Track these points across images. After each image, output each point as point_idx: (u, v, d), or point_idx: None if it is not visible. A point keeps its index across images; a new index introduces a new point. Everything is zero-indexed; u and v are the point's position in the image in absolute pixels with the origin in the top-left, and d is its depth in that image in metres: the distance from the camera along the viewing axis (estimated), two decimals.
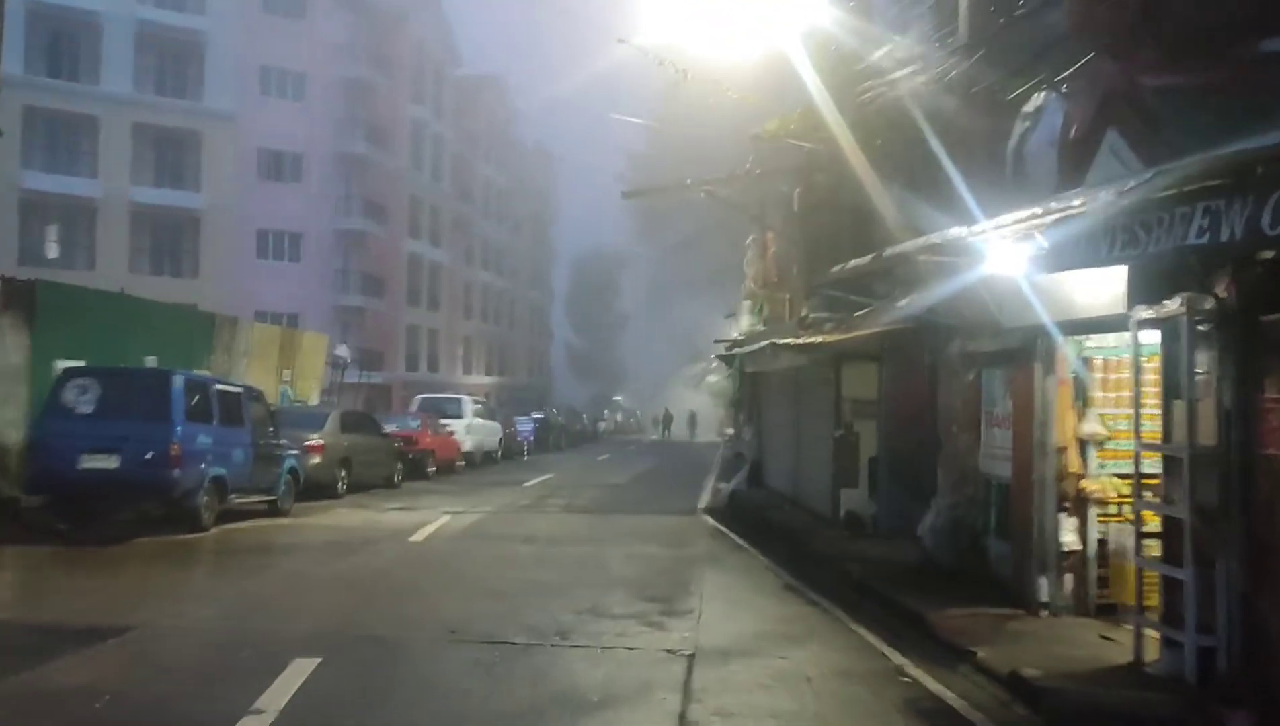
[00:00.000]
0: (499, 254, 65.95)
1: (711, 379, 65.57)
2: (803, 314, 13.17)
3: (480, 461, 28.39)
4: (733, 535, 13.95)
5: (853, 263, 9.61)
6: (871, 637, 7.94)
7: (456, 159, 55.92)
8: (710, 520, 15.90)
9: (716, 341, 22.44)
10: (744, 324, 23.56)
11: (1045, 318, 7.57)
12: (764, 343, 13.53)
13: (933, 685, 6.64)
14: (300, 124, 41.71)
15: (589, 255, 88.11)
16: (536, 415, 39.89)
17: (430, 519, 14.85)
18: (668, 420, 64.26)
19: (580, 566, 11.07)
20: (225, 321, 21.50)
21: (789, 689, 6.41)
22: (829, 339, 11.01)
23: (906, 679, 6.79)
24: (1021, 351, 8.49)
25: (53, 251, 37.05)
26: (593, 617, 8.30)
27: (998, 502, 9.31)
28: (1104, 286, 7.09)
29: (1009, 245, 7.60)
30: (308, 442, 17.22)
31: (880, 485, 12.00)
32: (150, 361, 17.17)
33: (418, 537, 12.97)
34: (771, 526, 13.85)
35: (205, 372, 18.85)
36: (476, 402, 29.88)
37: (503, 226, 66.64)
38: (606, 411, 69.20)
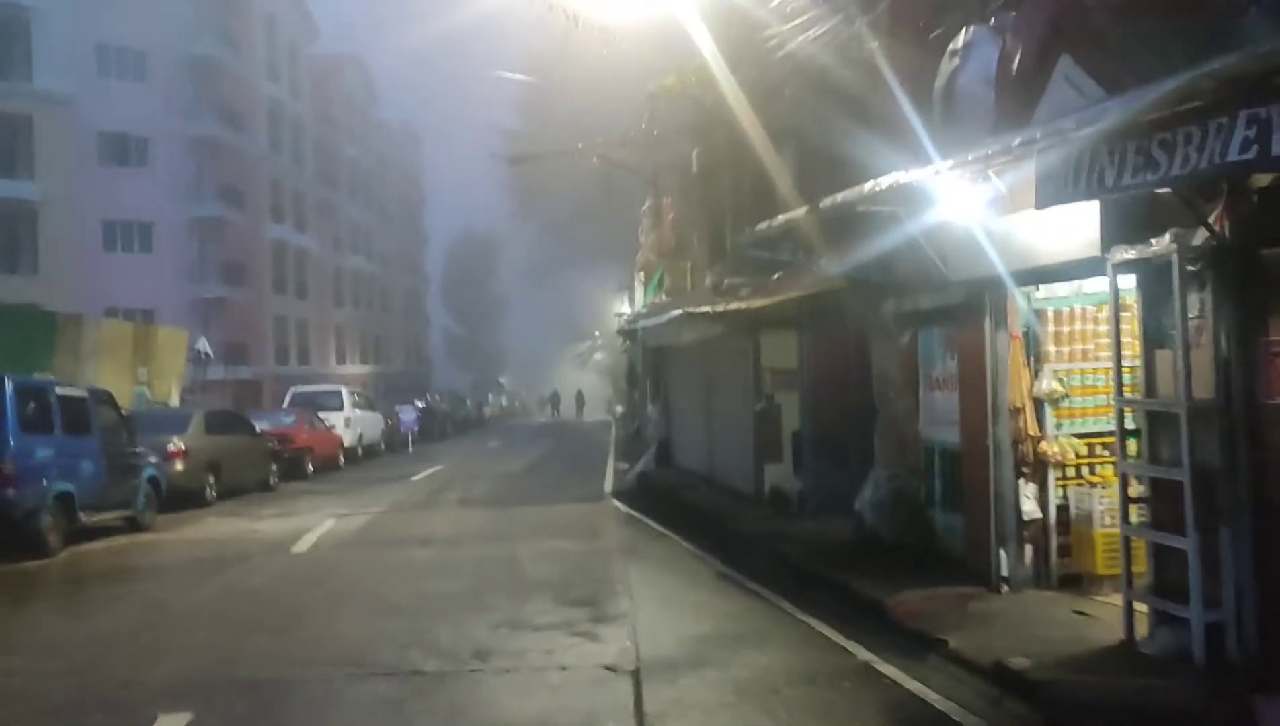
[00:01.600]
0: (369, 238, 63.40)
1: (598, 357, 64.86)
2: (716, 280, 12.32)
3: (363, 456, 26.79)
4: (648, 520, 13.05)
5: (781, 218, 8.77)
6: (827, 630, 7.15)
7: (318, 141, 53.27)
8: (620, 505, 14.97)
9: (617, 315, 21.42)
10: (639, 297, 22.72)
11: (1001, 267, 6.85)
12: (671, 313, 12.67)
13: (910, 684, 5.87)
14: (144, 106, 38.69)
15: (463, 238, 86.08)
16: (419, 403, 38.20)
17: (312, 524, 13.49)
18: (555, 401, 63.65)
19: (488, 570, 9.98)
20: (68, 320, 19.49)
21: (756, 703, 5.54)
22: (749, 305, 10.18)
23: (883, 678, 6.00)
24: (967, 306, 7.79)
25: None
26: (512, 632, 7.27)
27: (943, 471, 8.65)
28: (1069, 230, 6.40)
29: (962, 188, 6.88)
30: (169, 448, 15.57)
31: (805, 459, 11.28)
32: None
33: (300, 547, 11.65)
34: (689, 508, 13.02)
35: (47, 377, 17.01)
36: (355, 393, 28.20)
37: (371, 210, 64.05)
38: (490, 395, 67.54)
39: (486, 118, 66.02)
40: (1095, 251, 6.11)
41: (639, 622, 7.46)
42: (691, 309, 11.29)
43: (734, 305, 10.49)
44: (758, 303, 9.95)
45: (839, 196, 7.45)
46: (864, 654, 6.52)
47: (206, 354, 28.02)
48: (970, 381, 7.89)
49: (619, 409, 54.44)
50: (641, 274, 22.93)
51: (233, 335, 39.98)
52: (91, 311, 24.32)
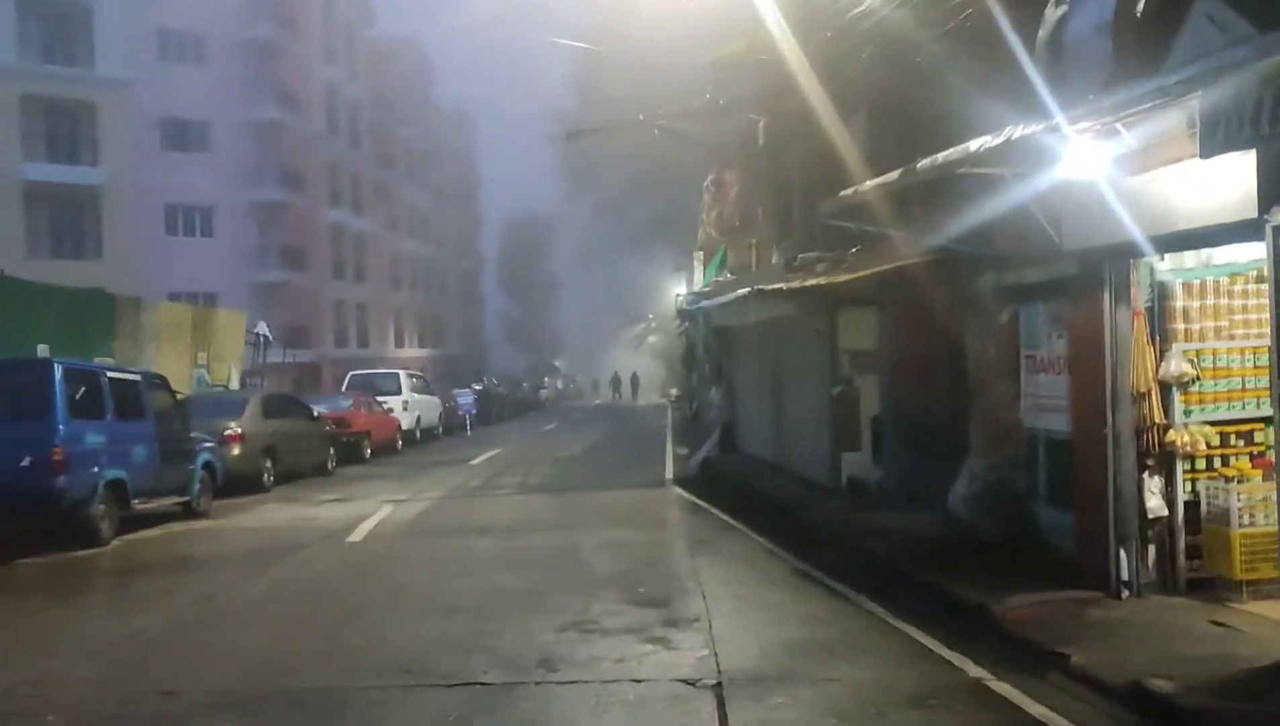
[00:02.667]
0: (425, 221, 63.32)
1: (652, 339, 64.19)
2: (789, 255, 11.58)
3: (420, 439, 26.48)
4: (715, 510, 12.40)
5: (869, 183, 8.01)
6: (925, 639, 6.45)
7: (375, 123, 53.12)
8: (684, 493, 14.34)
9: (677, 294, 20.70)
10: (698, 277, 22.00)
11: (1136, 232, 6.05)
12: (738, 292, 11.97)
13: (1033, 706, 5.17)
14: (204, 90, 38.78)
15: (517, 219, 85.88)
16: (476, 386, 37.87)
17: (369, 511, 13.08)
18: (616, 383, 63.56)
19: (550, 563, 9.42)
20: (127, 303, 19.33)
21: None
22: (828, 280, 9.44)
23: (1000, 700, 5.30)
24: (1082, 279, 7.00)
25: None
26: (580, 636, 6.68)
27: (1049, 462, 7.88)
28: (1214, 189, 5.60)
29: (1084, 145, 6.10)
30: (225, 432, 15.28)
31: (886, 447, 10.53)
32: (42, 351, 15.14)
33: (355, 536, 11.20)
34: (758, 497, 12.35)
35: (106, 361, 16.84)
36: (413, 376, 27.87)
37: (427, 192, 63.94)
38: (547, 378, 67.21)
39: (540, 97, 65.87)
40: (1250, 212, 5.31)
41: (716, 627, 6.83)
42: (762, 286, 10.59)
43: (810, 281, 9.77)
44: (840, 277, 9.19)
45: (940, 157, 6.69)
46: (973, 669, 5.82)
47: (266, 337, 27.90)
48: (1084, 363, 7.10)
49: (673, 392, 53.83)
50: (701, 253, 22.19)
51: (292, 319, 40.03)
52: (154, 296, 24.22)
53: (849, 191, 8.31)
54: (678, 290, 34.44)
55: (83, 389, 10.75)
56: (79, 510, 10.30)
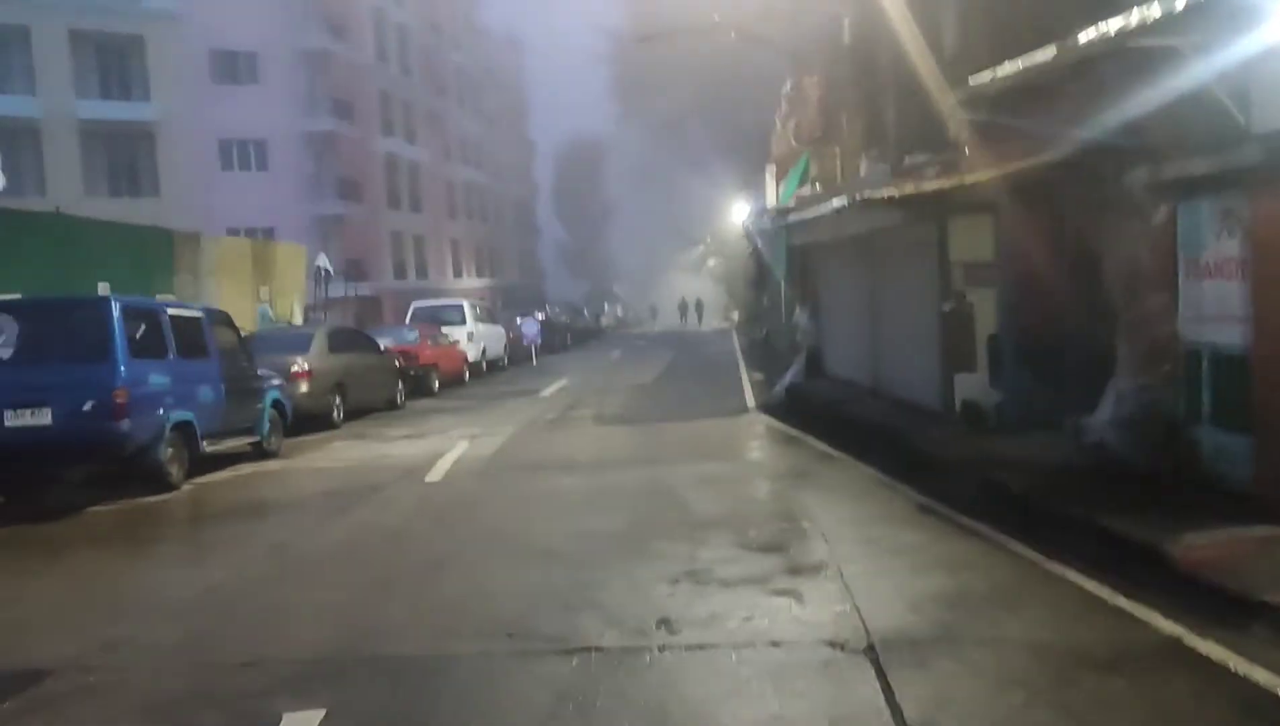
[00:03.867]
0: (478, 149, 62.39)
1: (712, 262, 63.02)
2: (894, 160, 10.56)
3: (487, 370, 25.99)
4: (810, 438, 11.61)
5: (1011, 65, 6.97)
6: (1094, 586, 5.63)
7: (424, 49, 52.00)
8: (772, 421, 13.56)
9: (761, 212, 19.67)
10: (771, 192, 20.92)
11: None
12: (834, 203, 10.99)
13: (1256, 672, 4.35)
14: (252, 19, 38.00)
15: (570, 145, 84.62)
16: (539, 315, 37.26)
17: (445, 447, 12.51)
18: (684, 308, 63.41)
19: (645, 501, 8.72)
20: (185, 238, 18.84)
21: (1055, 704, 4.11)
22: (953, 182, 8.43)
23: (1209, 663, 4.49)
24: (1271, 166, 5.97)
25: None
26: (697, 588, 5.97)
27: (1217, 380, 6.93)
28: None
29: None
30: (293, 369, 14.80)
31: (1005, 367, 9.59)
32: (103, 289, 14.76)
33: (434, 476, 10.62)
34: (858, 425, 11.51)
35: (167, 297, 16.43)
36: (477, 307, 27.29)
37: (479, 120, 62.87)
38: (606, 305, 66.51)
39: (588, 16, 64.07)
40: None
41: (847, 575, 6.08)
42: (868, 194, 9.61)
43: (925, 186, 8.77)
44: (965, 178, 8.16)
45: (1106, 26, 5.65)
46: (1162, 622, 5.00)
47: (326, 271, 27.46)
48: (1271, 263, 6.11)
49: (736, 315, 52.83)
50: (774, 167, 21.05)
51: (351, 252, 39.69)
52: (213, 232, 23.80)
53: (984, 77, 7.29)
54: (743, 209, 33.32)
55: (143, 327, 10.21)
56: (146, 454, 9.82)
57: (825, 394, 14.15)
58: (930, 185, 8.73)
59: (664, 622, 5.33)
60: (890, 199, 9.16)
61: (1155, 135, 6.98)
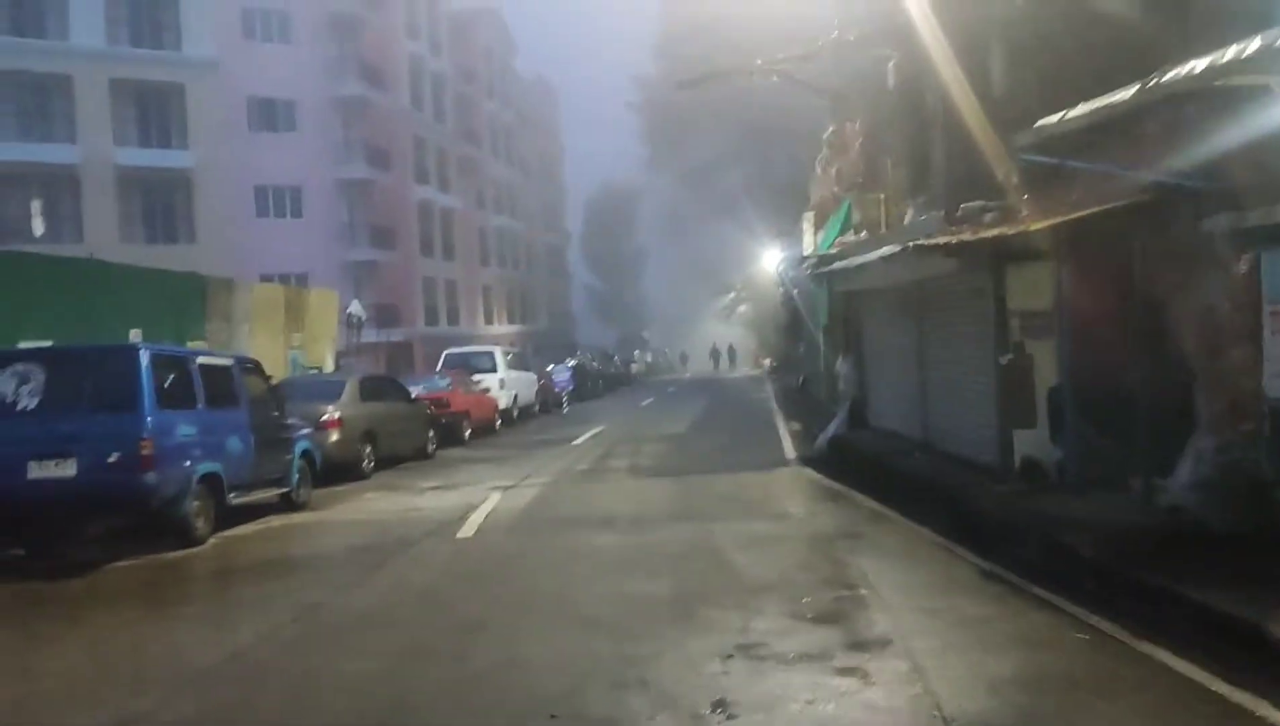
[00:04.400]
0: (511, 195, 62.75)
1: (742, 309, 62.75)
2: (948, 208, 10.18)
3: (518, 418, 25.67)
4: (858, 495, 11.14)
5: (1084, 107, 6.61)
6: (1192, 670, 5.12)
7: (458, 97, 52.49)
8: (816, 474, 13.09)
9: (802, 259, 19.29)
10: (808, 240, 20.60)
11: None
12: (884, 250, 10.61)
13: None
14: (290, 67, 38.50)
15: (601, 191, 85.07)
16: (571, 361, 37.01)
17: (477, 499, 12.15)
18: (716, 354, 63.40)
19: (690, 563, 8.28)
20: (219, 284, 18.74)
21: None
22: (1014, 230, 8.03)
23: None
24: None
25: (38, 227, 34.14)
26: (752, 664, 5.52)
27: None
28: None
29: None
30: (323, 418, 14.53)
31: (1067, 422, 9.11)
32: (134, 336, 14.62)
33: (466, 530, 10.23)
34: (908, 480, 11.03)
35: (199, 344, 16.29)
36: (508, 353, 27.05)
37: (512, 166, 63.32)
38: (637, 352, 66.24)
39: (621, 65, 64.62)
40: None
41: (916, 652, 5.60)
42: (922, 241, 9.23)
43: (986, 233, 8.39)
44: (1028, 225, 7.75)
45: (1193, 66, 5.28)
46: (1271, 713, 4.50)
47: (359, 317, 27.41)
48: None
49: (768, 362, 52.40)
50: (812, 213, 20.75)
51: (383, 297, 39.75)
52: (247, 278, 23.78)
53: (1052, 119, 6.92)
54: (776, 256, 33.03)
55: (172, 376, 9.95)
56: (172, 508, 9.52)
57: (871, 447, 13.66)
58: (989, 232, 8.35)
59: (720, 705, 4.88)
60: (947, 246, 8.78)
61: (1238, 179, 6.57)
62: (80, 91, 34.20)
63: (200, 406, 10.27)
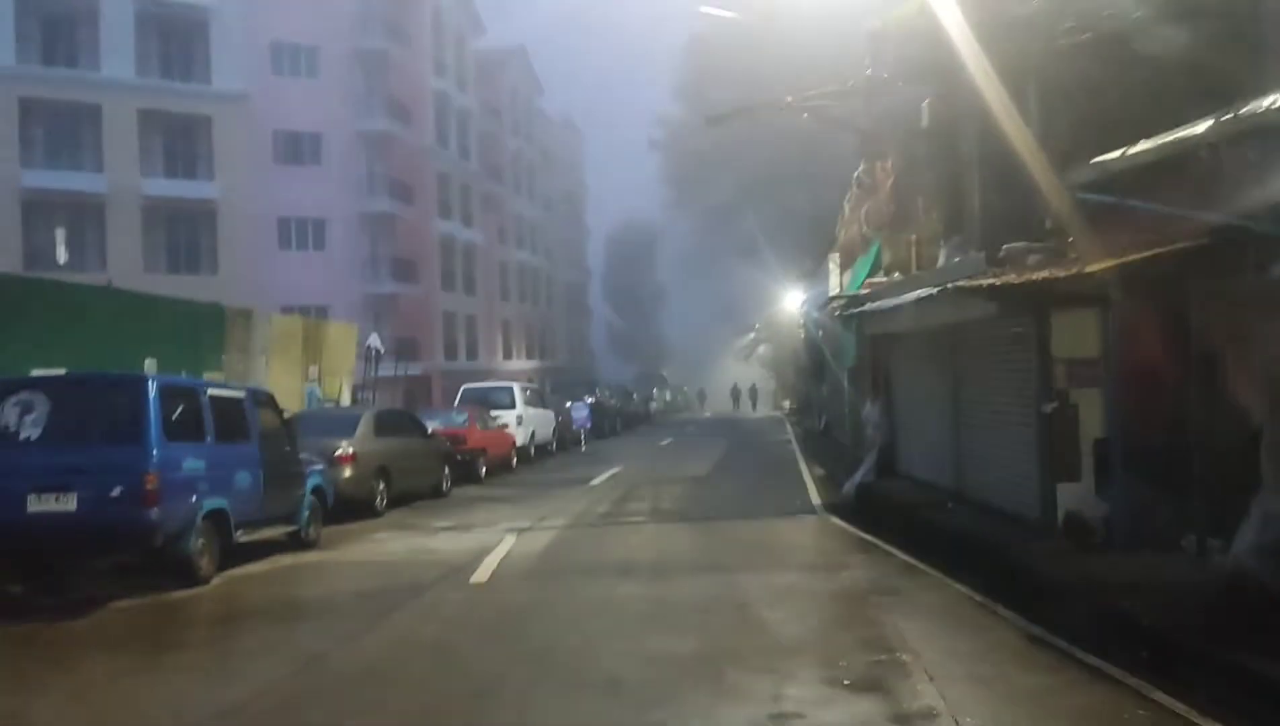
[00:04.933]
0: (533, 232, 62.78)
1: (762, 350, 62.33)
2: (987, 249, 9.79)
3: (535, 456, 25.24)
4: (889, 548, 10.64)
5: (1146, 143, 6.24)
6: None
7: (483, 134, 52.65)
8: (844, 524, 12.60)
9: (831, 299, 18.88)
10: (834, 281, 20.23)
11: None
12: (919, 292, 10.23)
13: None
14: (316, 102, 38.64)
15: (622, 229, 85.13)
16: (589, 398, 36.57)
17: (491, 542, 11.72)
18: (736, 394, 62.99)
19: (714, 619, 7.82)
20: (237, 314, 18.47)
21: None
22: (1066, 272, 7.62)
23: None
24: None
25: (62, 255, 34.19)
26: None
27: None
28: None
29: None
30: (337, 453, 14.18)
31: (1114, 477, 8.63)
32: (149, 366, 14.35)
33: (480, 576, 9.81)
34: (942, 534, 10.54)
35: (216, 375, 16.02)
36: (526, 389, 26.68)
37: (535, 203, 63.40)
38: (655, 390, 65.79)
39: (646, 103, 64.87)
40: None
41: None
42: (963, 283, 8.83)
43: (1035, 275, 7.98)
44: (1085, 268, 7.33)
45: (1275, 99, 4.89)
46: None
47: (378, 350, 27.13)
48: None
49: (787, 404, 51.85)
50: (838, 255, 20.40)
51: (403, 331, 39.57)
52: (268, 309, 23.57)
53: (1113, 155, 6.54)
54: (798, 297, 32.68)
55: (180, 408, 9.60)
56: (175, 545, 9.14)
57: (900, 496, 13.16)
58: (1038, 274, 7.95)
59: None
60: (990, 288, 8.37)
61: None
62: (109, 121, 34.44)
63: (209, 439, 9.93)
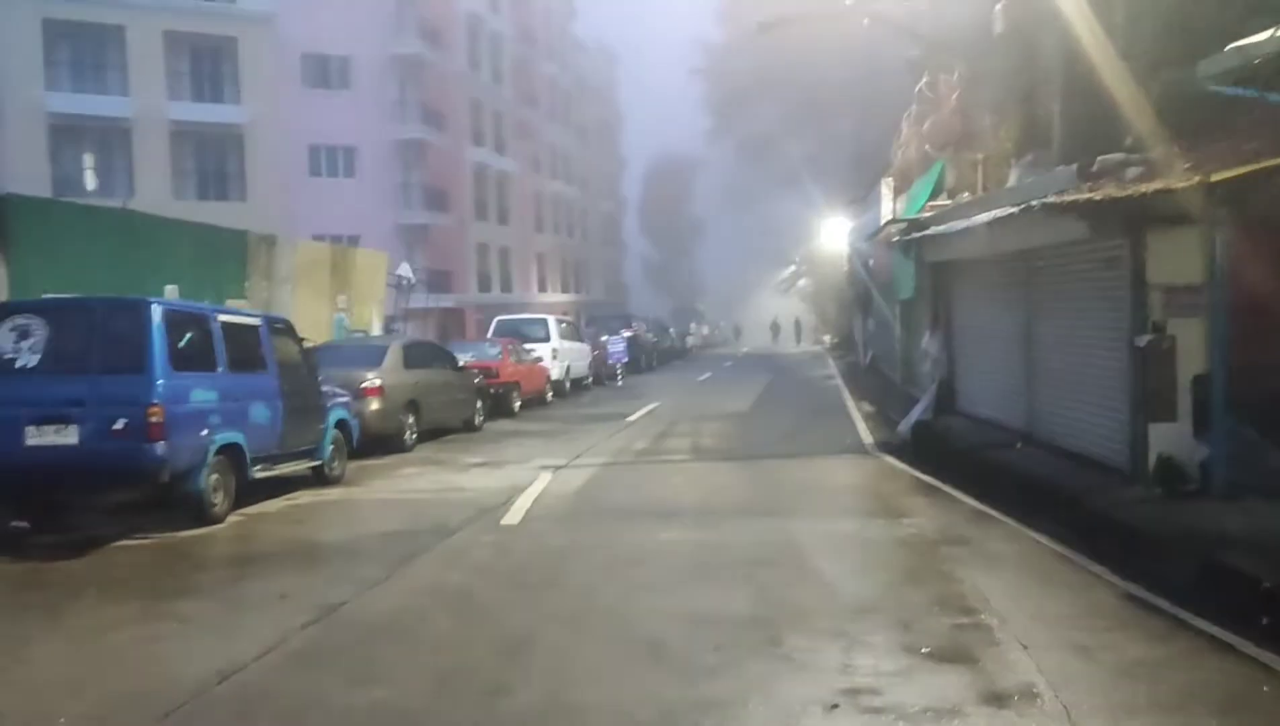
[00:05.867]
0: (567, 162, 61.46)
1: (802, 283, 61.08)
2: (1081, 160, 8.77)
3: (570, 390, 24.55)
4: (953, 492, 9.81)
5: None
6: None
7: (517, 59, 51.18)
8: (900, 464, 11.78)
9: (884, 224, 17.82)
10: (886, 207, 19.15)
11: None
12: (995, 212, 9.23)
13: None
14: (345, 23, 37.47)
15: (659, 160, 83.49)
16: (626, 332, 35.69)
17: (524, 481, 11.06)
18: (776, 329, 62.39)
19: (769, 571, 7.05)
20: (260, 241, 17.80)
21: None
22: (1177, 182, 6.63)
23: None
24: None
25: (90, 181, 33.64)
26: (862, 719, 4.33)
27: None
28: None
29: None
30: (363, 385, 13.53)
31: (1216, 417, 7.72)
32: (170, 292, 13.77)
33: (511, 518, 9.13)
34: (1013, 476, 9.70)
35: (240, 303, 15.42)
36: (562, 322, 25.91)
37: (569, 132, 61.95)
38: (692, 324, 64.84)
39: (683, 30, 63.05)
40: None
41: (1076, 711, 4.35)
42: (1053, 200, 7.85)
43: (1144, 187, 7.00)
44: (1245, 168, 6.22)
45: None
46: None
47: (409, 279, 26.42)
48: None
49: (827, 338, 50.77)
50: (892, 180, 19.27)
51: (435, 262, 38.88)
52: (298, 238, 22.87)
53: (1259, 37, 5.53)
54: (845, 226, 31.49)
55: (189, 335, 8.91)
56: (185, 482, 8.53)
57: (962, 435, 12.29)
58: (1145, 187, 6.97)
59: None
60: (1085, 204, 7.41)
61: None
62: (133, 42, 33.54)
63: (221, 369, 9.26)
